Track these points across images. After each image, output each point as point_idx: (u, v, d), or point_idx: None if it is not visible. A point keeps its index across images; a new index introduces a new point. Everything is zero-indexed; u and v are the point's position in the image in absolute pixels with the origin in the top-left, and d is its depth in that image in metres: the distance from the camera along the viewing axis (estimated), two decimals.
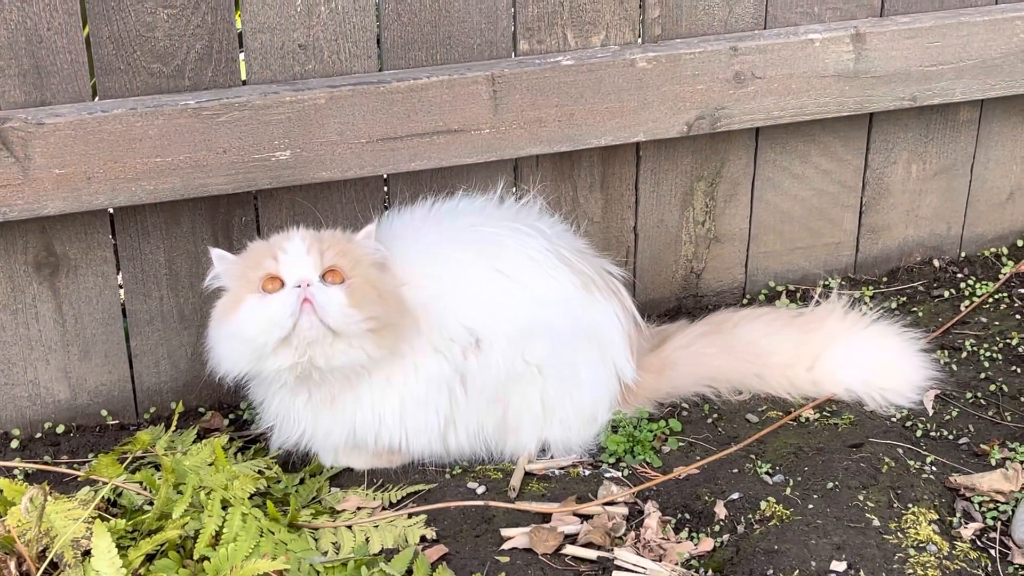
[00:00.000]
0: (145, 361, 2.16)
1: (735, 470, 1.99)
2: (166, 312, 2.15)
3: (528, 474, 2.01)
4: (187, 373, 2.17)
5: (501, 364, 1.94)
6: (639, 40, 2.23)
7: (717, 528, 1.85)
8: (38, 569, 1.66)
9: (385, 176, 2.21)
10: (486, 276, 1.96)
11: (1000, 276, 2.56)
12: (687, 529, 1.87)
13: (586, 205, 2.33)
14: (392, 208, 2.13)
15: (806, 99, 2.31)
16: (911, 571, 1.75)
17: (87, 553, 1.67)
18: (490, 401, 1.97)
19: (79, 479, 1.94)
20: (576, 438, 2.05)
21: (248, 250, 1.92)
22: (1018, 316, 2.43)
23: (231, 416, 2.19)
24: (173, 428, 2.06)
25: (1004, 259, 2.62)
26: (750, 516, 1.86)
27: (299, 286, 1.80)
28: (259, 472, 1.96)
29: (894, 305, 2.49)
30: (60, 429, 2.12)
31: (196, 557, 1.70)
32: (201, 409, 2.20)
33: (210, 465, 1.91)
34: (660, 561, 1.81)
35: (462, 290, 1.94)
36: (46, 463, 2.02)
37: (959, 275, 2.59)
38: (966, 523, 1.88)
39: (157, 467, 1.97)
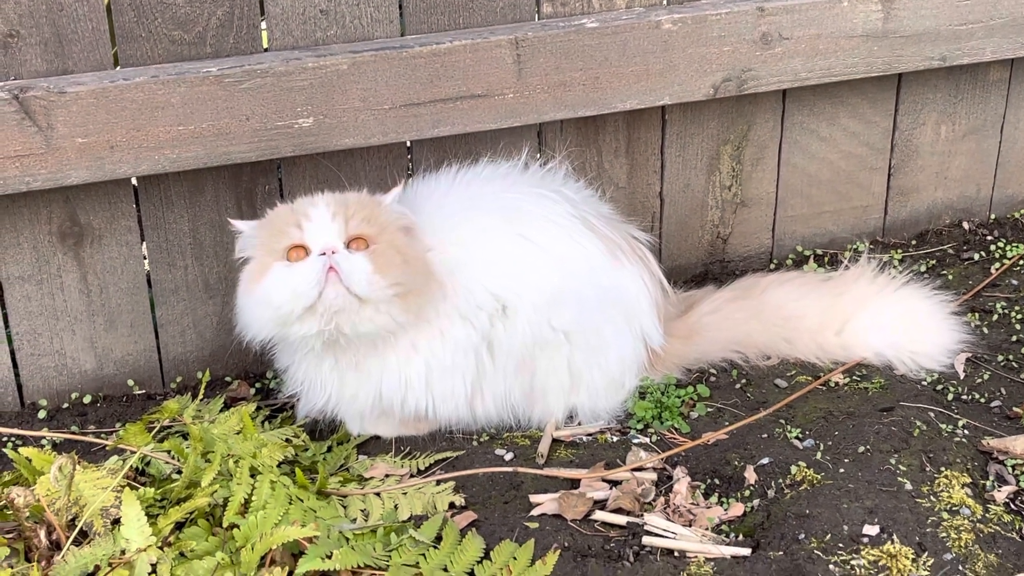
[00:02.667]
0: (171, 331, 2.17)
1: (764, 435, 1.98)
2: (191, 281, 2.15)
3: (556, 440, 2.02)
4: (213, 342, 2.18)
5: (528, 330, 1.95)
6: (664, 1, 2.22)
7: (747, 493, 1.85)
8: (68, 538, 1.65)
9: (408, 143, 2.21)
10: (512, 242, 1.96)
11: None
12: (717, 494, 1.87)
13: (611, 170, 2.33)
14: (416, 175, 2.13)
15: (834, 60, 2.29)
16: (944, 535, 1.73)
17: (116, 522, 1.68)
18: (517, 368, 1.98)
19: (107, 448, 1.95)
20: (604, 404, 2.05)
21: (272, 216, 1.91)
22: None
23: (257, 385, 2.20)
24: (200, 397, 2.06)
25: None
26: (780, 481, 1.85)
27: (324, 254, 1.80)
28: (287, 440, 1.96)
29: (923, 268, 2.47)
30: (87, 399, 2.13)
31: (225, 525, 1.70)
32: (228, 378, 2.21)
33: (237, 434, 1.91)
34: (690, 526, 1.79)
35: (488, 256, 1.94)
36: (74, 433, 2.03)
37: (989, 237, 2.56)
38: (999, 486, 1.86)
39: (185, 436, 1.97)
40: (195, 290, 2.16)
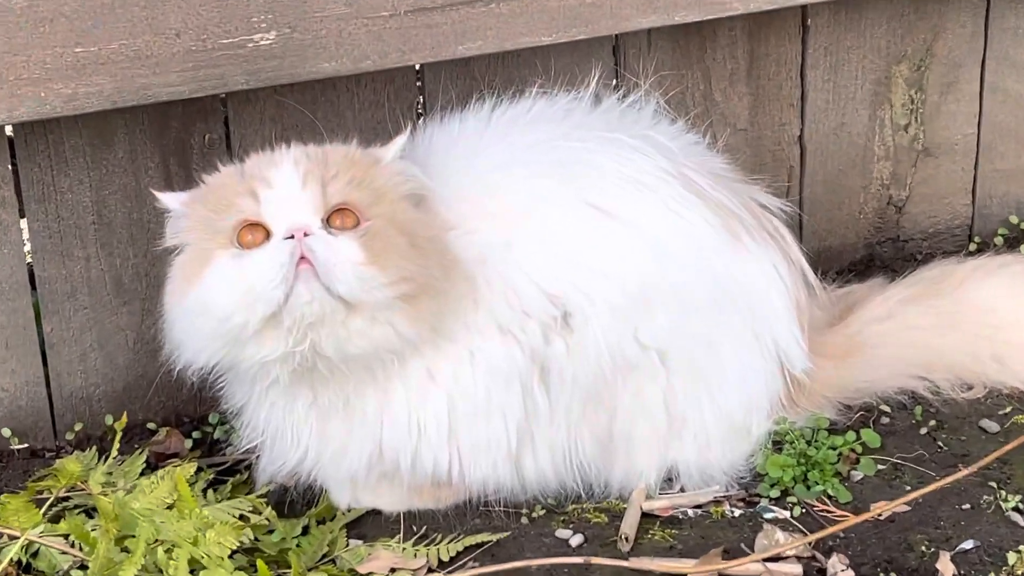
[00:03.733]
0: (65, 354, 2.17)
1: (966, 506, 1.98)
2: (95, 280, 2.16)
3: (647, 516, 2.02)
4: (128, 372, 2.19)
5: (603, 348, 1.94)
6: None
7: None
8: None
9: (418, 67, 2.21)
10: (576, 215, 1.96)
11: None
12: None
13: (725, 104, 2.32)
14: (430, 117, 2.14)
15: None
16: None
17: None
18: (586, 405, 1.98)
19: None
20: (719, 460, 2.07)
21: (214, 182, 1.93)
22: None
23: (195, 435, 2.21)
24: (114, 454, 2.06)
25: None
26: (992, 575, 1.83)
27: (292, 237, 1.81)
28: (242, 518, 1.97)
29: None
30: None
31: None
32: (151, 425, 2.22)
33: (169, 509, 1.93)
34: None
35: (541, 237, 1.94)
36: None
37: None
38: None
39: (91, 512, 1.97)
40: (101, 293, 2.16)
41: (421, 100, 2.23)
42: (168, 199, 1.93)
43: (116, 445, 2.07)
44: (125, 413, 2.14)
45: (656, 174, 2.00)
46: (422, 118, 2.18)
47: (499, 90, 2.14)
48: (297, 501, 2.06)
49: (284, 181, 1.85)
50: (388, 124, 2.17)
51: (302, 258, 1.80)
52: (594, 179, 1.97)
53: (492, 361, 1.93)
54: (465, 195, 1.95)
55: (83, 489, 1.99)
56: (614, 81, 2.24)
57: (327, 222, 1.84)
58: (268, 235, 1.84)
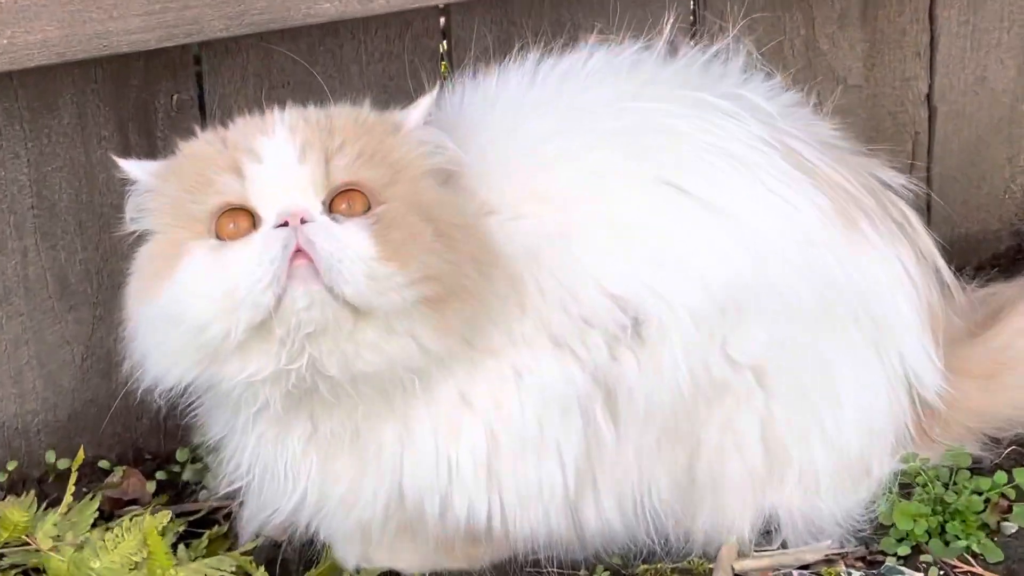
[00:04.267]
0: None
1: None
2: (33, 279, 2.17)
3: None
4: (75, 394, 2.21)
5: (683, 366, 1.94)
6: None
7: None
8: None
9: (443, 7, 2.22)
10: (650, 197, 1.95)
11: None
12: None
13: (833, 54, 2.34)
14: (460, 71, 2.13)
15: None
16: None
17: None
18: (662, 437, 1.97)
19: None
20: (830, 507, 2.06)
21: (188, 152, 1.94)
22: None
23: (159, 476, 2.22)
24: (67, 500, 2.06)
25: None
26: None
27: (286, 224, 1.81)
28: None
29: None
30: None
31: None
32: (103, 463, 2.23)
33: (131, 572, 1.94)
34: None
35: (606, 225, 1.93)
36: None
37: None
38: None
39: (30, 573, 1.99)
40: (40, 296, 2.18)
41: (447, 49, 2.25)
42: (132, 168, 1.92)
43: (71, 488, 2.07)
44: (81, 448, 2.13)
45: (750, 144, 1.99)
46: (449, 73, 2.17)
47: (546, 37, 2.12)
48: (292, 559, 2.07)
49: (277, 153, 1.84)
50: (405, 81, 2.20)
51: (298, 251, 1.80)
52: (672, 151, 1.97)
53: (544, 382, 1.92)
54: (509, 171, 1.94)
55: (24, 544, 1.99)
56: (693, 26, 2.24)
57: (331, 206, 1.84)
58: (255, 222, 1.84)
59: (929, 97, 2.39)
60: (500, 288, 1.88)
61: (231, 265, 1.81)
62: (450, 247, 1.85)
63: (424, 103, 1.92)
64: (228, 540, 2.07)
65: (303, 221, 1.80)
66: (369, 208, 1.84)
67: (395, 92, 2.15)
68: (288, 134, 1.85)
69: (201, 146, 1.92)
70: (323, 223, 1.81)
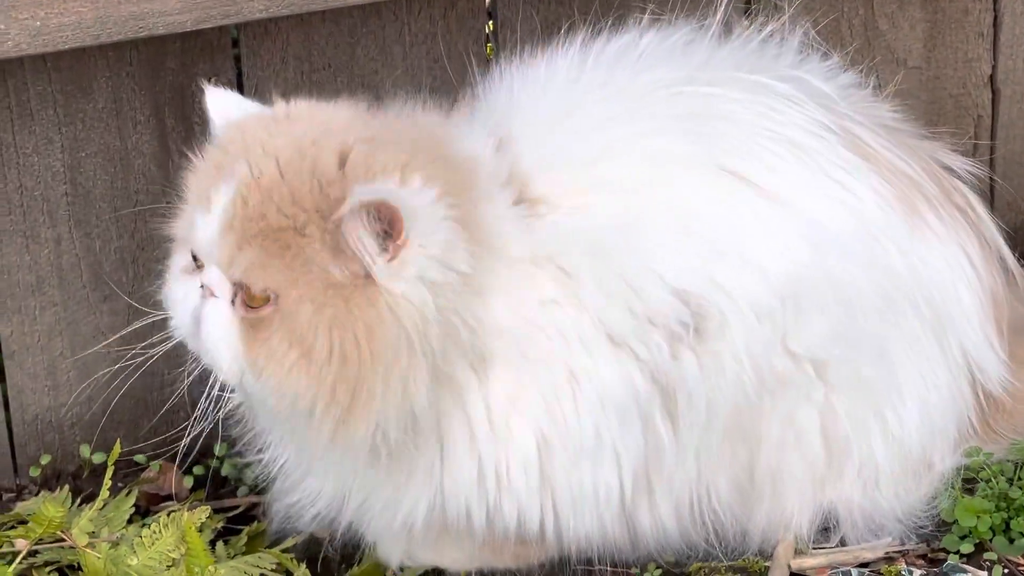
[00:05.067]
0: (29, 365, 2.20)
1: None
2: (67, 268, 2.17)
3: None
4: (110, 387, 2.16)
5: (745, 361, 1.92)
6: None
7: None
8: None
9: None
10: (711, 185, 1.93)
11: None
12: None
13: (893, 34, 2.34)
14: (502, 51, 2.14)
15: None
16: None
17: None
18: (723, 437, 1.96)
19: None
20: (891, 503, 2.05)
21: (213, 144, 1.92)
22: None
23: (196, 470, 2.23)
24: (103, 495, 2.04)
25: None
26: None
27: (203, 286, 1.86)
28: None
29: None
30: None
31: None
32: (139, 457, 2.22)
33: (168, 569, 1.93)
34: None
35: (669, 216, 1.91)
36: None
37: None
38: None
39: (66, 571, 1.99)
40: (74, 285, 2.18)
41: (492, 30, 2.23)
42: (220, 101, 1.92)
43: (107, 482, 2.05)
44: (118, 441, 2.10)
45: (810, 130, 1.98)
46: (495, 55, 2.17)
47: (595, 18, 2.11)
48: (333, 558, 2.07)
49: (214, 213, 1.82)
50: (447, 63, 2.20)
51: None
52: (731, 137, 1.95)
53: (603, 387, 1.90)
54: (565, 161, 1.92)
55: (59, 540, 1.98)
56: (747, 5, 2.25)
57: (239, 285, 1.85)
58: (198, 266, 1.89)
59: (992, 79, 2.36)
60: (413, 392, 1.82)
61: (176, 300, 1.89)
62: (318, 372, 1.80)
63: (379, 188, 1.79)
64: (267, 537, 2.08)
65: (210, 293, 1.83)
66: (266, 302, 1.81)
67: (439, 75, 2.15)
68: (231, 194, 1.81)
69: (215, 150, 1.88)
70: (215, 307, 1.83)
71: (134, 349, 2.11)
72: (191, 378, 1.94)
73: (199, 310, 1.86)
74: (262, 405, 1.89)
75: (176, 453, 2.17)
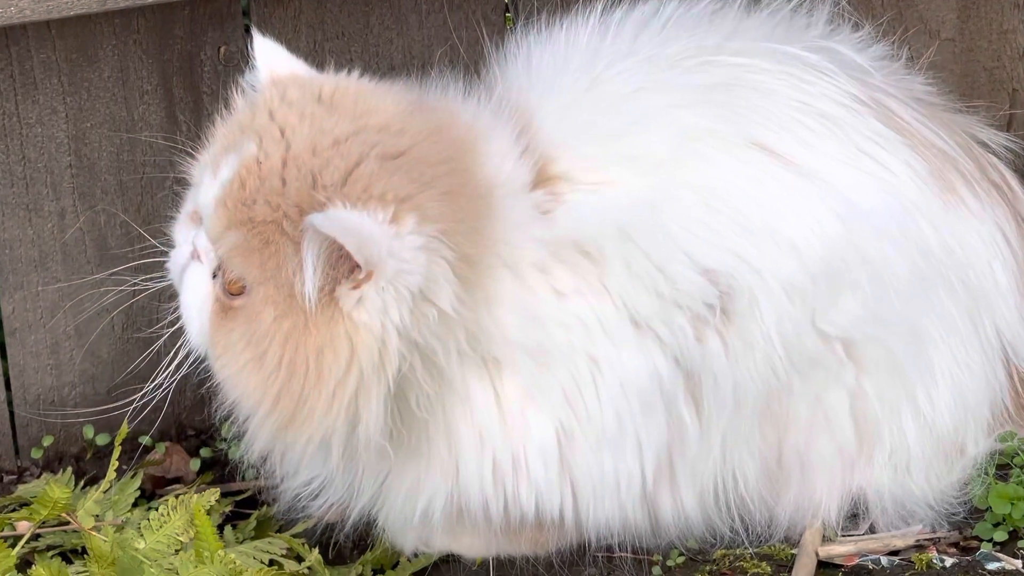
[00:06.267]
0: (31, 343, 2.19)
1: None
2: (71, 243, 2.17)
3: (825, 565, 2.01)
4: (115, 366, 2.20)
5: (775, 341, 1.91)
6: None
7: None
8: None
9: None
10: (741, 160, 1.92)
11: None
12: None
13: (925, 5, 2.33)
14: (522, 23, 2.11)
15: None
16: None
17: None
18: (752, 422, 1.95)
19: None
20: (922, 488, 2.04)
21: (240, 109, 1.92)
22: None
23: (203, 452, 2.24)
24: (110, 476, 2.03)
25: None
26: None
27: (194, 246, 1.89)
28: (272, 563, 1.97)
29: None
30: None
31: None
32: (144, 439, 2.21)
33: (176, 553, 1.92)
34: None
35: (696, 192, 1.90)
36: None
37: None
38: None
39: (69, 555, 1.98)
40: (78, 261, 2.18)
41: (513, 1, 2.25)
42: (268, 52, 1.91)
43: (114, 463, 2.03)
44: (125, 422, 2.09)
45: (842, 103, 1.97)
46: (513, 24, 2.17)
47: None
48: (345, 543, 2.06)
49: (217, 182, 1.83)
50: (464, 32, 2.20)
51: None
52: (762, 111, 1.94)
53: (625, 374, 1.89)
54: (591, 135, 1.91)
55: (63, 524, 1.96)
56: None
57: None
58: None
59: None
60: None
61: (177, 236, 1.91)
62: (265, 378, 1.80)
63: (336, 222, 1.76)
64: (277, 521, 2.07)
65: (196, 255, 1.85)
66: (243, 291, 1.82)
67: (455, 45, 2.15)
68: (232, 166, 1.81)
69: (246, 107, 1.89)
70: (200, 270, 1.85)
71: (138, 328, 2.15)
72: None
73: (187, 267, 1.88)
74: None
75: (182, 434, 2.21)
